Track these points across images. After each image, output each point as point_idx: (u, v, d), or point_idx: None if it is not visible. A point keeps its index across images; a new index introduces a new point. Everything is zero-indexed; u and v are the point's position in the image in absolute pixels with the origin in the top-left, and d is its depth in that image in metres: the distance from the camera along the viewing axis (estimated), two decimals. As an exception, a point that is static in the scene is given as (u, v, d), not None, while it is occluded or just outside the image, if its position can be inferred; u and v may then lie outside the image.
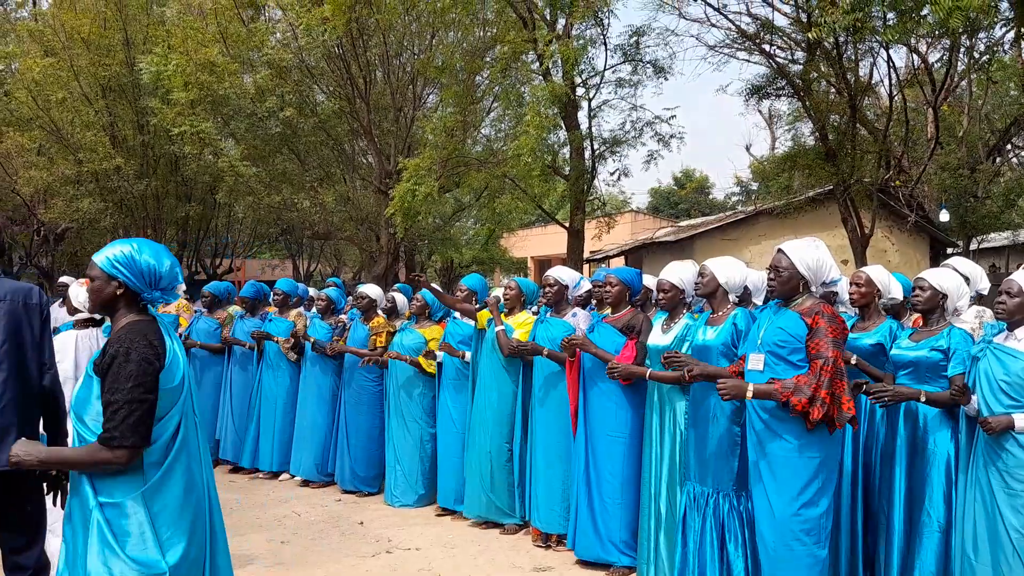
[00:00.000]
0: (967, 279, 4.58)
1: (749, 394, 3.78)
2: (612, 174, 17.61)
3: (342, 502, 6.91)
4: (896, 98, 15.51)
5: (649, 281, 5.74)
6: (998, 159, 20.82)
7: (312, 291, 8.23)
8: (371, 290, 7.43)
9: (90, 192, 16.52)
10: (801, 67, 14.84)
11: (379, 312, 7.35)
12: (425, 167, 12.55)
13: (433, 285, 6.58)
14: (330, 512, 6.56)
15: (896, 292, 4.76)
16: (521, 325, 6.02)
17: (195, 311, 8.38)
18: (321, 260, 27.72)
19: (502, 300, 6.19)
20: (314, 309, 7.75)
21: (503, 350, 5.86)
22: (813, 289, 3.93)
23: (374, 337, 7.12)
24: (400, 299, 7.35)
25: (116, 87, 16.57)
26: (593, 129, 15.65)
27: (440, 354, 6.55)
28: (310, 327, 7.54)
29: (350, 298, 8.06)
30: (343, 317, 7.65)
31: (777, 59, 15.14)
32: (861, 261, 14.32)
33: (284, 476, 7.61)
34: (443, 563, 5.33)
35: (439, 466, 6.56)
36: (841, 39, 13.35)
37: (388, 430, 6.90)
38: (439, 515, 6.46)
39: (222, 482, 7.54)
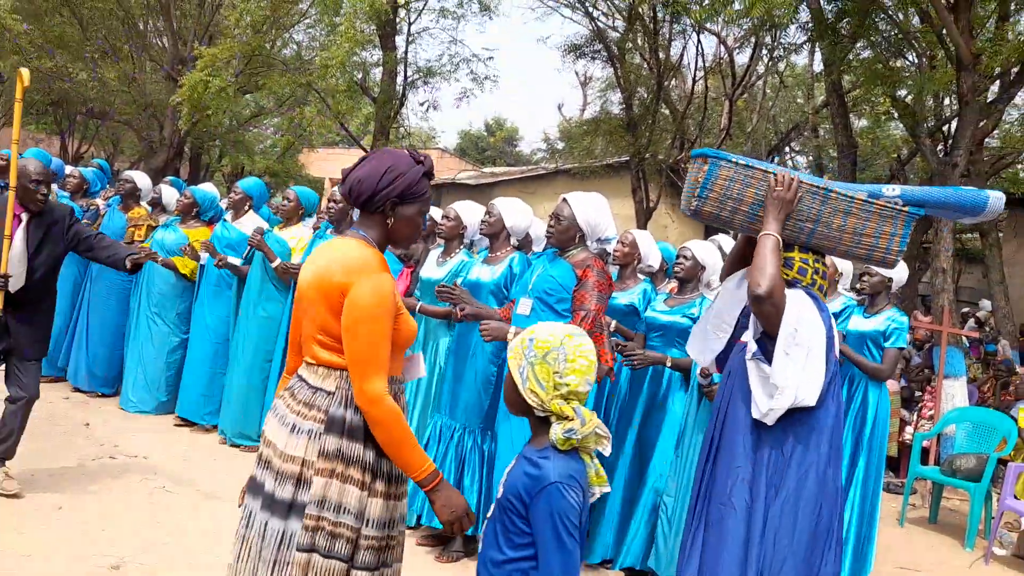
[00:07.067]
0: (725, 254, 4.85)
1: (509, 336, 3.78)
2: (422, 104, 17.19)
3: (70, 400, 6.32)
4: (699, 84, 16.30)
5: (436, 214, 5.64)
6: (776, 159, 22.59)
7: (68, 168, 7.35)
8: (136, 176, 6.77)
9: None
10: (619, 35, 15.20)
11: (142, 203, 6.73)
12: (223, 59, 11.64)
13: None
14: (54, 410, 5.95)
15: (654, 261, 4.94)
16: (297, 240, 5.74)
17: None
18: (95, 144, 25.17)
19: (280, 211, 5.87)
20: (66, 189, 6.94)
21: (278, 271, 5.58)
22: (588, 243, 3.99)
23: (132, 229, 6.52)
24: (168, 191, 6.76)
25: None
26: (409, 55, 15.21)
27: (204, 256, 6.07)
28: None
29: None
30: (98, 201, 6.92)
31: (599, 22, 15.40)
32: (644, 230, 15.05)
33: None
34: (170, 473, 4.99)
35: (184, 375, 6.15)
36: (659, 15, 13.79)
37: (134, 330, 6.35)
38: (177, 425, 6.07)
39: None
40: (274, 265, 5.57)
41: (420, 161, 2.36)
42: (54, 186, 7.06)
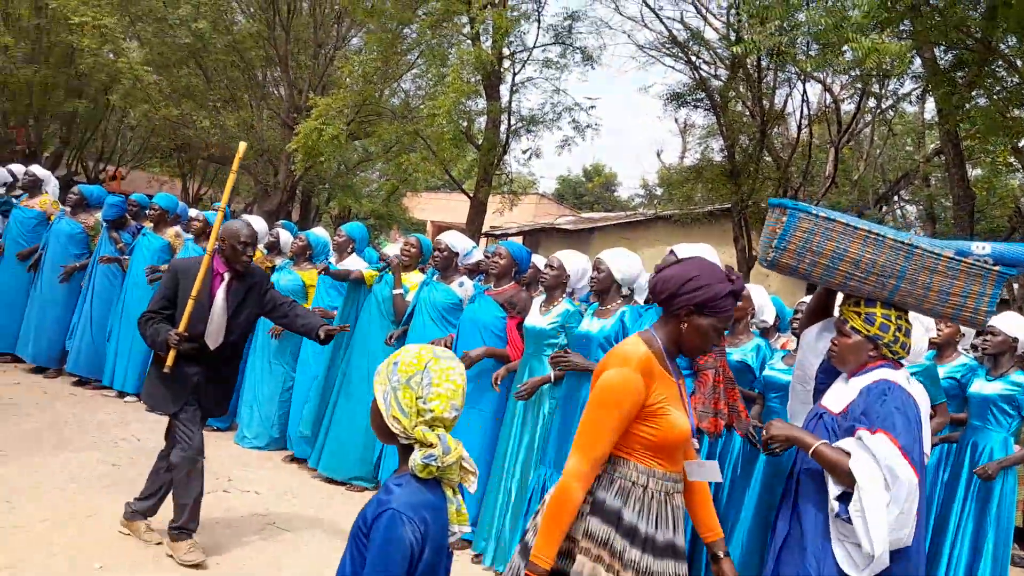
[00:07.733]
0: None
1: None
2: (524, 152, 17.56)
3: (188, 435, 6.61)
4: (803, 132, 16.03)
5: (539, 261, 5.70)
6: (884, 208, 21.88)
7: (192, 211, 7.79)
8: (254, 221, 7.09)
9: (-31, 66, 15.25)
10: (722, 83, 15.14)
11: (259, 247, 7.05)
12: (336, 108, 12.17)
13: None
14: (173, 443, 6.25)
15: (768, 316, 4.85)
16: (413, 284, 5.91)
17: (60, 210, 7.81)
18: (214, 185, 26.54)
19: (400, 256, 6.06)
20: (190, 232, 7.34)
21: (397, 314, 5.73)
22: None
23: (251, 272, 6.82)
24: (284, 235, 7.07)
25: (16, -41, 15.34)
26: (512, 104, 15.55)
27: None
28: (182, 250, 7.15)
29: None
30: (220, 245, 7.28)
31: (701, 71, 15.39)
32: (744, 280, 14.77)
33: (130, 398, 7.20)
34: (279, 510, 5.16)
35: (291, 412, 6.37)
36: (763, 63, 13.67)
37: (250, 369, 6.62)
38: (288, 461, 6.27)
39: (61, 394, 7.10)
40: (396, 292, 5.74)
41: (731, 279, 2.38)
42: (179, 227, 7.50)
